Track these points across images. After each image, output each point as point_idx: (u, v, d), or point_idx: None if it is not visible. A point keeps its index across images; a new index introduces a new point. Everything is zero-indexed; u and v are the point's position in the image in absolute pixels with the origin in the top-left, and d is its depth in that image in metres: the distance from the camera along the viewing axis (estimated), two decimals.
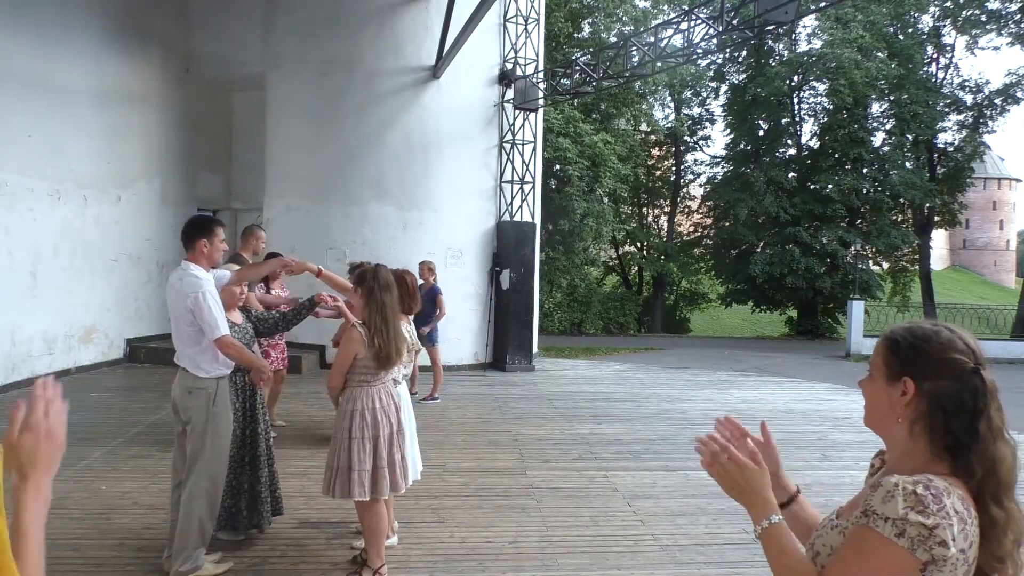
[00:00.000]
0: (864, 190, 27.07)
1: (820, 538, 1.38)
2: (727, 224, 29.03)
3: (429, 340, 8.68)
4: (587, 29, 27.77)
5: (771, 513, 1.36)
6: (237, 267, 4.69)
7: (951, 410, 1.28)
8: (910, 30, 27.69)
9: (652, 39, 10.04)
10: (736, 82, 29.24)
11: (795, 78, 27.51)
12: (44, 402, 1.21)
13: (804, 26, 27.11)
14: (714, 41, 8.91)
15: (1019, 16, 25.31)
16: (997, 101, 27.08)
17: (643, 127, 30.02)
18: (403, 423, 3.95)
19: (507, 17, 11.64)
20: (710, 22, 8.32)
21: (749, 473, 1.38)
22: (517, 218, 11.63)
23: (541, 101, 11.78)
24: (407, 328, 4.57)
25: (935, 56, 28.41)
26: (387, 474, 3.78)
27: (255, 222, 7.35)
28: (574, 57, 14.09)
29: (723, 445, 1.40)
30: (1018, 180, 67.50)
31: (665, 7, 27.77)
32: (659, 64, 10.61)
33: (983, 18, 26.00)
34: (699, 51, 10.05)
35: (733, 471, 1.39)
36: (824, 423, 8.24)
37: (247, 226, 6.59)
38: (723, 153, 30.75)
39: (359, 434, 3.74)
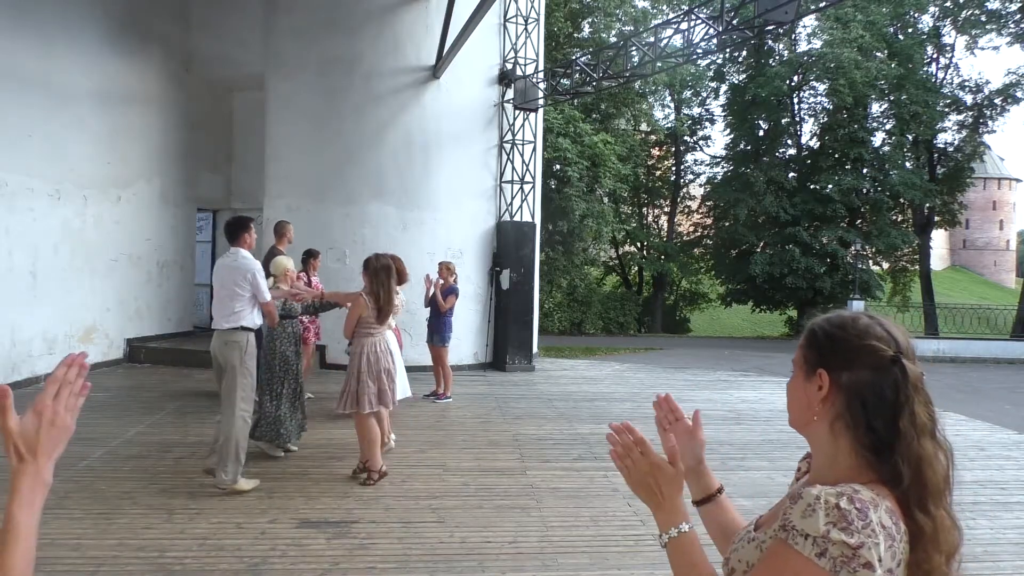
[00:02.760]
0: (864, 190, 27.08)
1: (736, 552, 1.24)
2: (727, 224, 29.03)
3: (440, 340, 8.73)
4: (587, 29, 27.79)
5: (680, 521, 1.24)
6: (291, 261, 6.68)
7: (871, 404, 1.15)
8: (910, 30, 27.69)
9: (652, 39, 10.04)
10: (736, 82, 29.24)
11: (795, 78, 27.51)
12: (57, 384, 1.16)
13: (804, 26, 27.16)
14: (714, 41, 8.91)
15: (1019, 16, 25.30)
16: (997, 101, 27.08)
17: (643, 127, 30.02)
18: (392, 363, 5.69)
19: (507, 17, 11.64)
20: (710, 22, 8.32)
21: (663, 474, 1.26)
22: (517, 218, 11.63)
23: (541, 101, 11.78)
24: (398, 297, 6.14)
25: (935, 56, 28.40)
26: (388, 394, 5.58)
27: (283, 219, 8.43)
28: (574, 57, 14.09)
29: (639, 439, 1.28)
30: (1018, 180, 67.50)
31: (665, 7, 27.78)
32: (659, 64, 10.62)
33: (983, 18, 25.99)
34: (699, 51, 10.05)
35: (645, 469, 1.27)
36: None
37: (278, 222, 7.90)
38: (723, 153, 30.79)
39: (366, 368, 5.46)
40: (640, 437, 1.30)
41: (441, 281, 8.79)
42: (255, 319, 5.34)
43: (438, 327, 8.75)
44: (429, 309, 8.84)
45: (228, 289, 5.25)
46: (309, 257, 8.38)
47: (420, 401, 8.76)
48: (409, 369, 9.62)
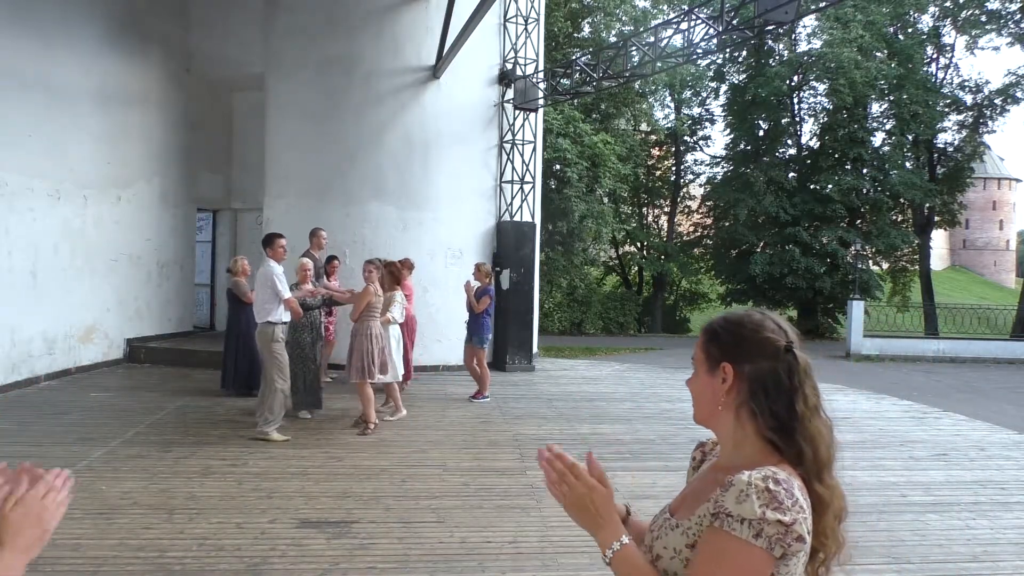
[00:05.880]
0: (864, 190, 27.04)
1: (659, 540, 1.32)
2: (727, 224, 28.99)
3: (478, 341, 8.80)
4: (587, 29, 27.75)
5: (620, 535, 1.31)
6: (309, 261, 7.91)
7: (771, 390, 1.28)
8: (910, 30, 27.67)
9: (652, 39, 10.04)
10: (736, 82, 29.19)
11: (795, 78, 27.49)
12: (47, 488, 1.16)
13: (804, 26, 27.11)
14: (714, 41, 8.90)
15: (1019, 16, 25.29)
16: (997, 101, 27.02)
17: (643, 127, 29.98)
18: (391, 344, 7.43)
19: (507, 17, 11.64)
20: (710, 22, 8.32)
21: (598, 494, 1.32)
22: (517, 218, 11.62)
23: (541, 101, 11.77)
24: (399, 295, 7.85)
25: (935, 56, 28.37)
26: (388, 368, 7.22)
27: (317, 225, 9.35)
28: (574, 57, 14.09)
29: (570, 464, 1.34)
30: (1018, 180, 67.48)
31: (665, 7, 27.75)
32: (659, 64, 10.61)
33: (983, 18, 25.96)
34: (699, 51, 10.04)
35: (581, 491, 1.32)
36: None
37: (312, 229, 8.93)
38: (723, 153, 30.73)
39: (372, 345, 6.98)
40: (571, 462, 1.34)
41: (477, 284, 8.82)
42: (279, 315, 6.77)
43: (476, 329, 8.81)
44: (468, 312, 8.90)
45: (258, 291, 6.91)
46: (326, 263, 9.28)
47: (428, 401, 8.78)
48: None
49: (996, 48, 31.25)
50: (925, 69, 27.43)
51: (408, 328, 8.53)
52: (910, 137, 26.87)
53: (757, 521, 1.16)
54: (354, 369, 6.97)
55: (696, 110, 31.13)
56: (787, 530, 1.17)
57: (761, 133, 28.74)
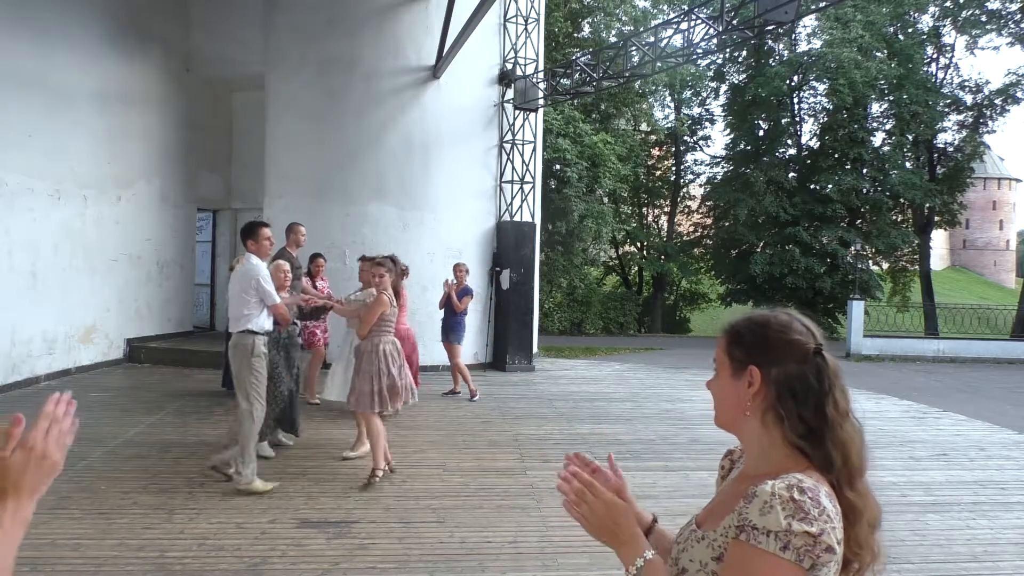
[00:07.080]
0: (864, 190, 27.04)
1: (685, 552, 1.28)
2: (727, 224, 28.98)
3: (456, 339, 8.96)
4: (587, 29, 27.75)
5: (642, 551, 1.28)
6: (286, 263, 6.50)
7: (800, 394, 1.23)
8: (910, 30, 27.65)
9: (652, 39, 10.04)
10: (736, 82, 29.19)
11: (795, 78, 27.48)
12: (48, 420, 1.14)
13: (804, 26, 27.11)
14: (714, 41, 8.91)
15: (1019, 16, 25.29)
16: (997, 101, 26.99)
17: (643, 127, 29.98)
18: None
19: (507, 17, 11.65)
20: (710, 22, 8.32)
21: (617, 510, 1.30)
22: (517, 218, 11.63)
23: (541, 101, 11.78)
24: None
25: (935, 56, 28.35)
26: (400, 392, 5.67)
27: (295, 220, 8.11)
28: (574, 57, 14.09)
29: (587, 482, 1.32)
30: (1018, 180, 67.47)
31: (665, 7, 27.74)
32: (659, 64, 10.61)
33: (983, 18, 25.94)
34: (699, 51, 10.05)
35: (601, 510, 1.30)
36: None
37: (289, 224, 7.72)
38: (723, 153, 30.72)
39: (390, 366, 5.63)
40: (588, 480, 1.33)
41: (454, 282, 8.96)
42: (263, 323, 5.50)
43: (454, 327, 8.98)
44: (444, 310, 9.09)
45: (237, 294, 5.52)
46: (311, 261, 8.37)
47: (429, 401, 8.78)
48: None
49: (996, 48, 31.14)
50: (925, 69, 27.41)
51: (404, 343, 8.02)
52: (910, 137, 26.86)
53: (783, 533, 1.11)
54: (363, 397, 5.57)
55: (696, 110, 31.13)
56: (815, 541, 1.12)
57: (761, 133, 28.73)
